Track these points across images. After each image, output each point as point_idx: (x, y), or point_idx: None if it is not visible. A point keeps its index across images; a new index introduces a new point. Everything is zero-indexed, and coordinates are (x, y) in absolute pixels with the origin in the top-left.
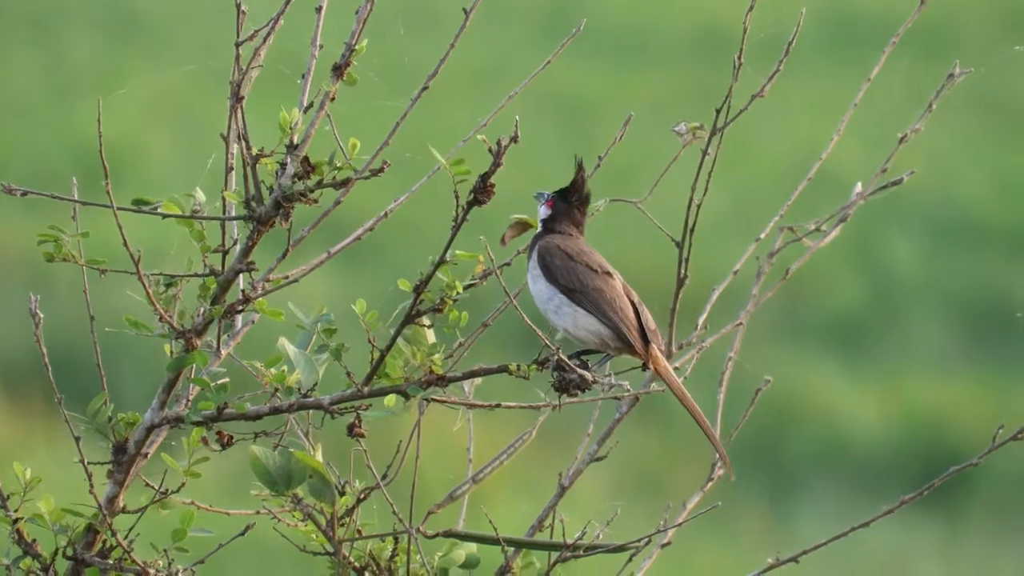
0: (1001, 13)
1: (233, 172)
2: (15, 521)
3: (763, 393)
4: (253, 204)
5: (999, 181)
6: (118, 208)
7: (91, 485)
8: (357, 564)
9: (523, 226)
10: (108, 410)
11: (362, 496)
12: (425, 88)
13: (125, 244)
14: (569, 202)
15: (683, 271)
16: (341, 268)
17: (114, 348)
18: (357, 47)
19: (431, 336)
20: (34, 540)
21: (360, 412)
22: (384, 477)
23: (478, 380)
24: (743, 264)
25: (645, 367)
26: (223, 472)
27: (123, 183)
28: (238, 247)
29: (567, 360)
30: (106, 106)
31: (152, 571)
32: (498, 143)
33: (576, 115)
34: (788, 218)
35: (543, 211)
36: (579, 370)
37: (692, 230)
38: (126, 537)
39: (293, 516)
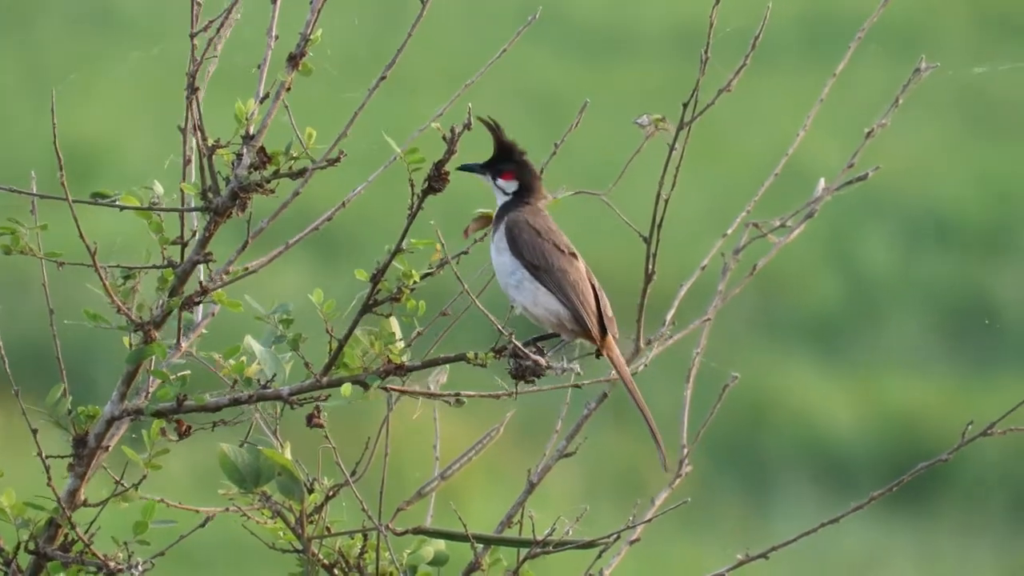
0: (983, 14)
1: (191, 164)
2: None
3: (731, 390)
4: (210, 195)
5: (976, 180)
6: (74, 201)
7: (49, 478)
8: (326, 561)
9: (486, 220)
10: (67, 403)
11: (331, 493)
12: (383, 78)
13: (81, 236)
14: (516, 161)
15: (651, 267)
16: (320, 266)
17: (90, 343)
18: (312, 36)
19: (394, 325)
20: None
21: (319, 403)
22: (353, 474)
23: (443, 378)
24: (713, 261)
25: (599, 354)
26: (197, 466)
27: (103, 178)
28: (196, 239)
29: (521, 347)
30: (84, 100)
31: (112, 563)
32: (452, 130)
33: (553, 112)
34: (763, 215)
35: (507, 185)
36: (533, 356)
37: (659, 225)
38: (87, 531)
39: (262, 514)
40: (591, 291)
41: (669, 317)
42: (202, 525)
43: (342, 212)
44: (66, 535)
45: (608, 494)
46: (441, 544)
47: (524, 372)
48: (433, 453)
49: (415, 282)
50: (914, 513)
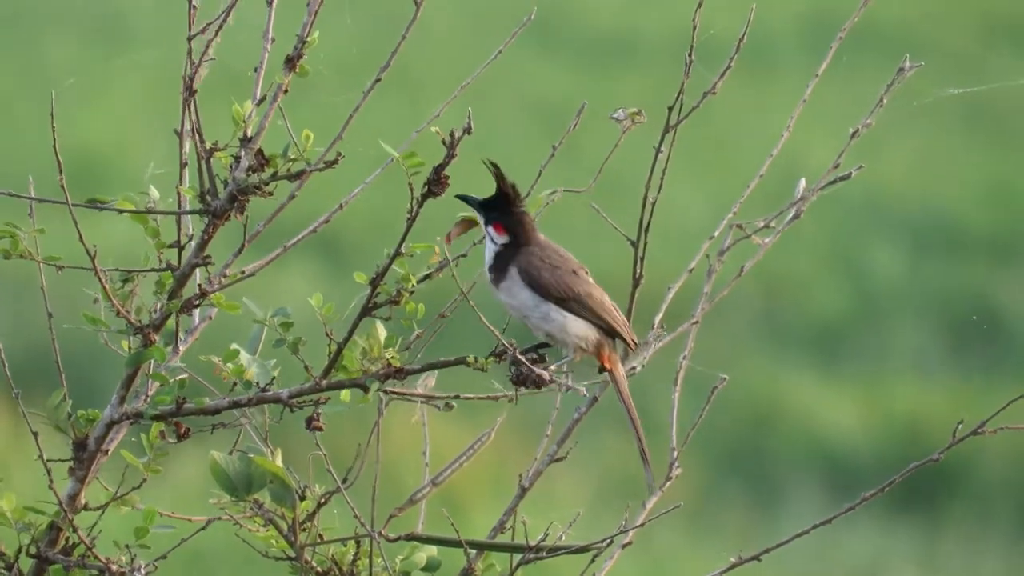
0: (991, 23)
1: (187, 167)
2: None
3: (719, 392)
4: (208, 198)
5: (981, 187)
6: (72, 205)
7: (51, 481)
8: (319, 569)
9: (469, 224)
10: (67, 406)
11: (323, 500)
12: (378, 80)
13: (81, 240)
14: (511, 212)
15: (639, 271)
16: (330, 273)
17: (95, 348)
18: (308, 39)
19: (381, 331)
20: None
21: (318, 406)
22: (344, 481)
23: (431, 381)
24: (703, 264)
25: (602, 370)
26: (203, 474)
27: (110, 184)
28: (194, 242)
29: (523, 359)
30: (93, 106)
31: (115, 567)
32: (451, 134)
33: (560, 121)
34: (759, 218)
35: (498, 237)
36: (537, 370)
37: (647, 229)
38: (89, 534)
39: (254, 522)
40: (614, 305)
41: (657, 321)
42: (202, 529)
43: (353, 219)
44: (67, 539)
45: (617, 499)
46: (434, 550)
47: (525, 380)
48: (439, 456)
49: (414, 286)
50: (921, 520)
